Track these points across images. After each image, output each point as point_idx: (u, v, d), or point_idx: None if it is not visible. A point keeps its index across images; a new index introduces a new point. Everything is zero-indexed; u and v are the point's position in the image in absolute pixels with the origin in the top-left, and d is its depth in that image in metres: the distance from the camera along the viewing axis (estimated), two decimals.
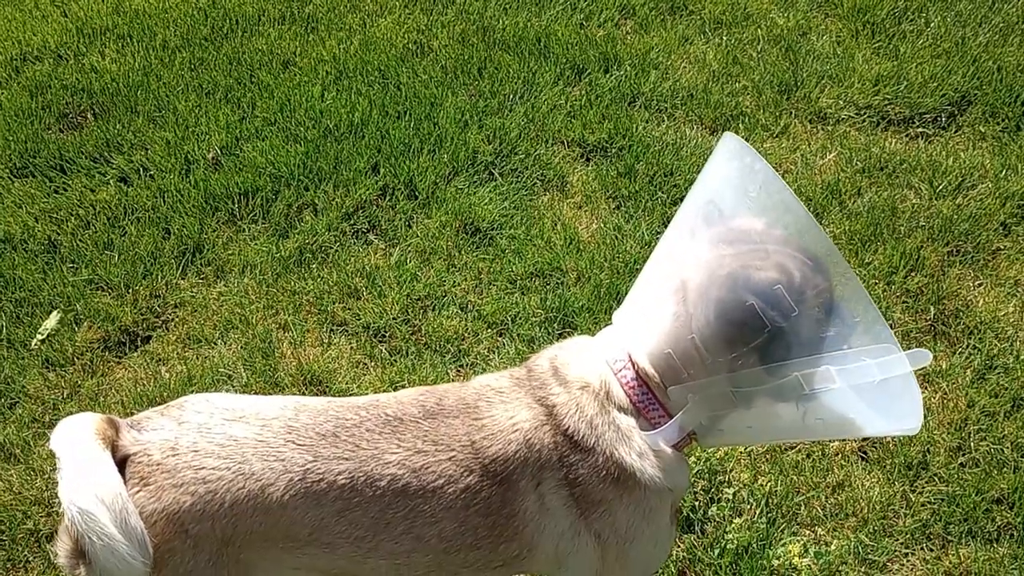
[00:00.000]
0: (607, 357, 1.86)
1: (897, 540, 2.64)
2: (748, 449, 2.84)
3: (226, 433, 1.76)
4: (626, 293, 3.29)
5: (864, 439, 2.82)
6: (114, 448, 1.69)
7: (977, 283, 3.35)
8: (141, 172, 3.83)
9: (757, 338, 1.65)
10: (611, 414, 1.81)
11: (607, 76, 4.33)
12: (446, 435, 1.82)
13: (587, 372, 1.86)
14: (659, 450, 1.81)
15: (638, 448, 1.80)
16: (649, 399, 1.81)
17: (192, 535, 1.69)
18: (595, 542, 1.85)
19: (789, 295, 1.61)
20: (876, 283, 3.35)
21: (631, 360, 1.83)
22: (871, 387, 1.60)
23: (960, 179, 3.76)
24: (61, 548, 1.70)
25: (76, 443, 1.65)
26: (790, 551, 2.60)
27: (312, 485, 1.74)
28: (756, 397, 1.72)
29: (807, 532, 2.67)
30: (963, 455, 2.82)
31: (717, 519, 2.67)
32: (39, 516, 2.70)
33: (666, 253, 1.87)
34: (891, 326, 3.19)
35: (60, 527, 1.72)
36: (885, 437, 2.82)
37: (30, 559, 2.62)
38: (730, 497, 2.72)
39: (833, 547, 2.62)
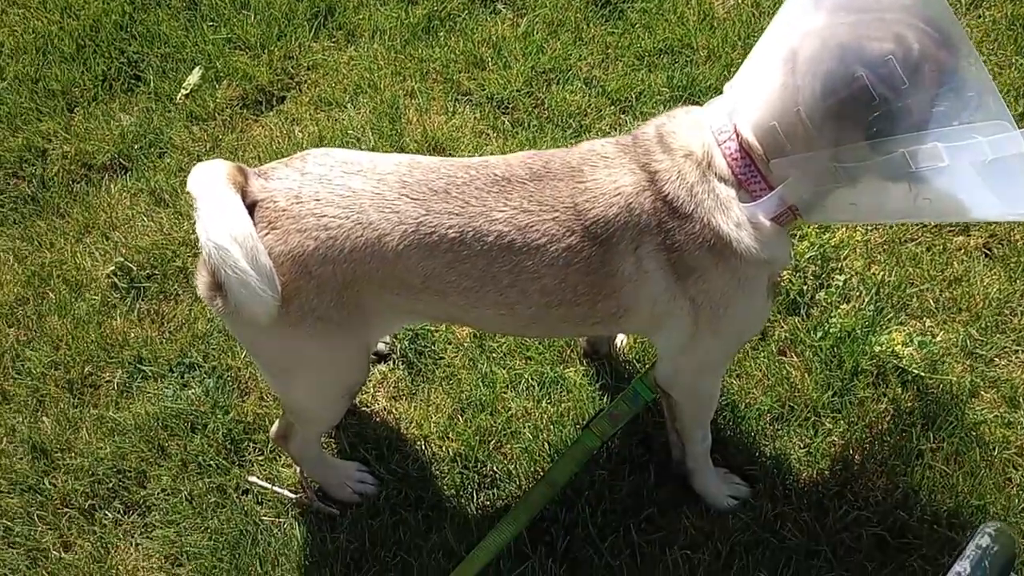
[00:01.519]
0: (713, 127, 1.78)
1: (1009, 337, 2.55)
2: (865, 237, 2.73)
3: (345, 184, 1.80)
4: None
5: (979, 224, 2.65)
6: (243, 194, 1.76)
7: None
8: None
9: (865, 113, 1.54)
10: (711, 183, 1.77)
11: None
12: (551, 196, 1.83)
13: (691, 140, 1.80)
14: (758, 222, 1.76)
15: (736, 218, 1.76)
16: (752, 171, 1.75)
17: (315, 276, 1.78)
18: (690, 306, 1.86)
19: (903, 68, 1.48)
20: None
21: (736, 131, 1.75)
22: (984, 167, 1.48)
23: None
24: (201, 280, 1.83)
25: (211, 185, 1.71)
26: (894, 339, 2.55)
27: (424, 237, 1.79)
28: (861, 174, 1.62)
29: (915, 323, 2.60)
30: None
31: (824, 304, 2.63)
32: (187, 255, 2.89)
33: (783, 20, 1.72)
34: None
35: (199, 261, 1.83)
36: (1000, 222, 2.64)
37: (179, 293, 2.84)
38: (840, 284, 2.66)
39: (939, 338, 2.55)
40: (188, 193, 1.74)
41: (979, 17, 3.20)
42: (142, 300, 2.83)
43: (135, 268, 2.86)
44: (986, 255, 2.69)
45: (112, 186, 3.12)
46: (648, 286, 1.84)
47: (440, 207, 1.80)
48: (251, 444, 2.53)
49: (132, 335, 2.75)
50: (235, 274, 1.65)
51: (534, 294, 1.85)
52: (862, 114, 1.56)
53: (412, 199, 1.80)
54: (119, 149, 3.19)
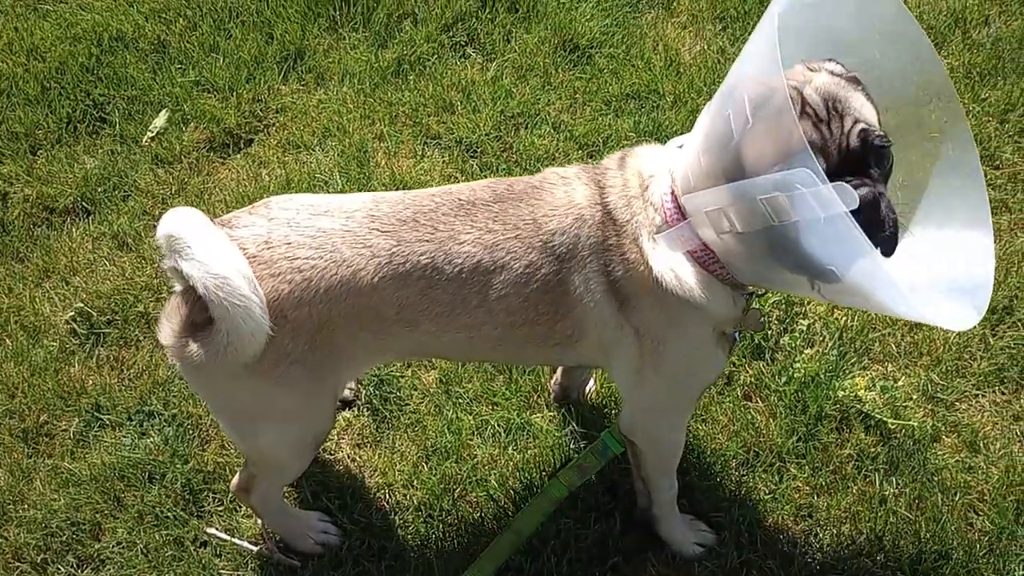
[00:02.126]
0: (669, 162, 1.82)
1: (968, 381, 2.56)
2: None
3: (314, 226, 1.79)
4: None
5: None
6: None
7: None
8: None
9: (721, 148, 1.58)
10: (646, 203, 1.81)
11: None
12: (514, 215, 1.86)
13: (645, 165, 1.86)
14: (678, 256, 1.76)
15: (657, 243, 1.79)
16: (675, 209, 1.76)
17: (291, 320, 1.76)
18: (634, 336, 1.87)
19: (752, 107, 1.48)
20: (989, 120, 3.06)
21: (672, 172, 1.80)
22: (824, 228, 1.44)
23: None
24: (168, 328, 1.79)
25: (196, 225, 1.70)
26: (857, 384, 2.55)
27: (398, 267, 1.80)
28: (746, 224, 1.59)
29: (877, 368, 2.60)
30: None
31: (788, 348, 2.62)
32: (149, 300, 2.84)
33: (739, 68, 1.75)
34: (998, 166, 2.96)
35: (168, 308, 1.79)
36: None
37: (140, 339, 2.78)
38: (804, 328, 2.65)
39: (901, 383, 2.55)
40: (168, 238, 1.70)
41: None
42: (102, 346, 2.76)
43: (95, 314, 2.80)
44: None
45: (74, 230, 3.06)
46: (596, 308, 1.85)
47: (410, 236, 1.81)
48: (210, 494, 2.46)
49: (90, 382, 2.68)
50: (241, 303, 1.63)
51: (500, 313, 1.85)
52: (720, 149, 1.59)
53: (382, 232, 1.81)
54: (82, 192, 3.13)
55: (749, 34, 3.31)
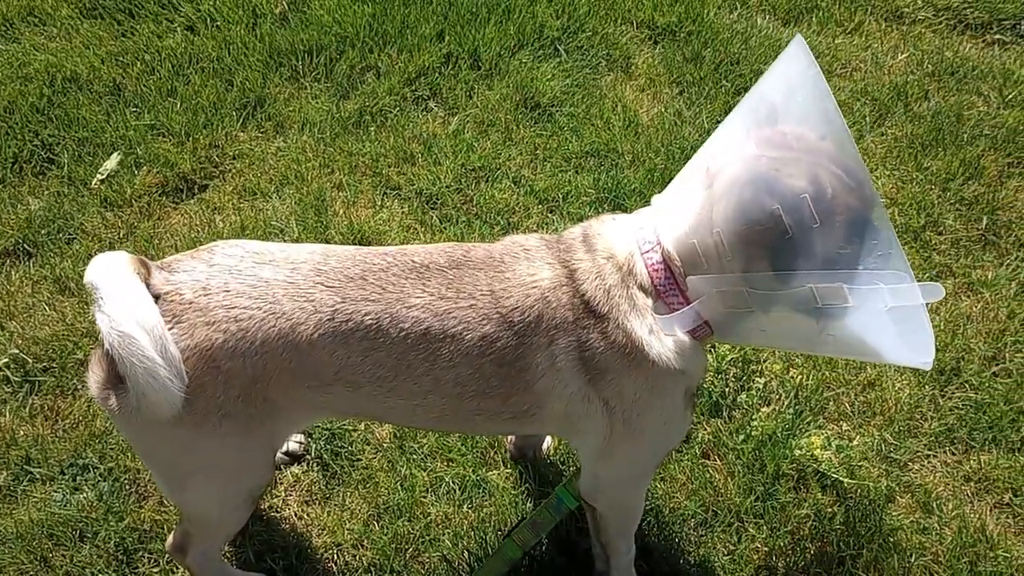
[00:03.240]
0: (638, 236, 1.75)
1: (921, 441, 2.54)
2: None
3: (256, 275, 1.70)
4: None
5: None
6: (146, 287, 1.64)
7: None
8: (208, 22, 3.65)
9: (774, 244, 1.54)
10: (630, 288, 1.73)
11: None
12: (469, 284, 1.76)
13: (615, 245, 1.77)
14: (673, 334, 1.71)
15: (650, 325, 1.71)
16: (671, 283, 1.72)
17: (223, 371, 1.65)
18: (604, 409, 1.79)
19: (816, 208, 1.49)
20: (932, 188, 3.12)
21: (659, 242, 1.72)
22: (884, 313, 1.49)
23: None
24: (94, 378, 1.67)
25: (114, 275, 1.60)
26: (813, 443, 2.51)
27: (340, 325, 1.69)
28: (772, 302, 1.61)
29: (832, 427, 2.57)
30: (996, 365, 2.67)
31: (745, 406, 2.58)
32: (89, 347, 2.68)
33: (715, 141, 1.73)
34: (941, 232, 3.00)
35: (93, 357, 1.67)
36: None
37: (78, 388, 2.61)
38: (760, 387, 2.62)
39: (856, 442, 2.52)
40: (88, 284, 1.59)
41: (882, 135, 3.33)
42: (36, 395, 2.58)
43: (31, 360, 2.62)
44: None
45: (13, 273, 2.89)
46: (561, 383, 1.77)
47: (356, 294, 1.71)
48: (146, 555, 2.28)
49: (22, 433, 2.49)
50: (142, 364, 1.52)
51: (448, 384, 1.76)
52: (772, 245, 1.55)
53: (327, 287, 1.71)
54: (24, 234, 2.97)
55: (705, 99, 3.39)
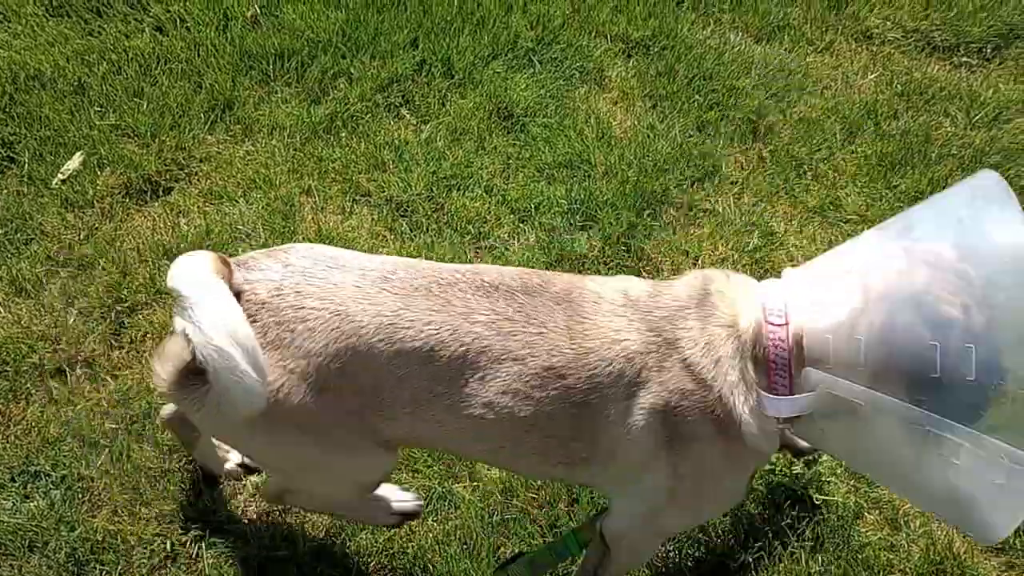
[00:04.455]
0: (767, 304, 1.67)
1: None
2: None
3: (327, 279, 1.70)
4: (652, 191, 3.10)
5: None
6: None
7: None
8: (178, 23, 3.57)
9: (916, 375, 1.47)
10: (744, 360, 1.65)
11: None
12: (541, 313, 1.71)
13: (742, 311, 1.69)
14: (769, 416, 1.65)
15: (752, 403, 1.65)
16: (784, 364, 1.63)
17: (291, 371, 1.65)
18: (669, 473, 1.73)
19: (978, 360, 1.42)
20: (901, 206, 3.13)
21: (788, 320, 1.64)
22: (990, 485, 1.44)
23: (997, 112, 3.50)
24: (164, 371, 1.65)
25: (202, 282, 1.58)
26: (781, 459, 2.48)
27: (399, 331, 1.67)
28: (879, 423, 1.54)
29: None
30: None
31: None
32: (44, 351, 2.58)
33: (871, 243, 1.65)
34: None
35: (166, 349, 1.64)
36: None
37: (32, 392, 2.51)
38: None
39: (825, 457, 2.48)
40: (172, 291, 1.56)
41: (852, 152, 3.34)
42: None
43: None
44: None
45: None
46: (632, 439, 1.69)
47: (420, 303, 1.69)
48: (98, 565, 2.19)
49: None
50: (236, 376, 1.52)
51: (504, 409, 1.70)
52: (915, 378, 1.48)
53: (393, 293, 1.70)
54: None
55: (677, 113, 3.38)
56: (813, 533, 2.34)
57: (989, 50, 3.78)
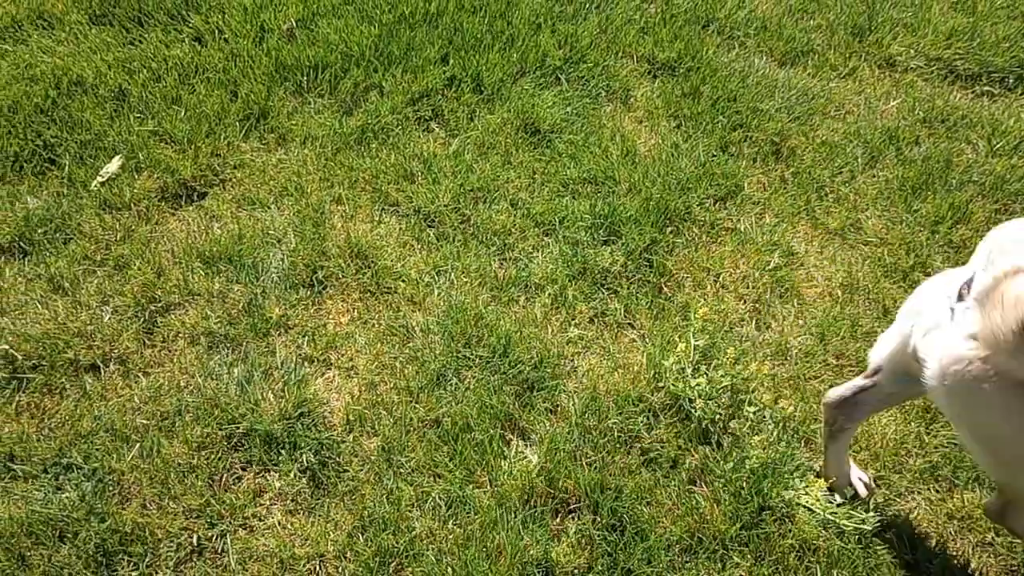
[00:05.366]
0: None
1: (905, 477, 2.54)
2: (772, 372, 2.73)
3: None
4: (675, 209, 3.15)
5: None
6: None
7: None
8: (216, 34, 3.68)
9: None
10: None
11: None
12: None
13: None
14: None
15: None
16: None
17: None
18: None
19: None
20: (921, 230, 3.16)
21: None
22: None
23: (1019, 140, 3.52)
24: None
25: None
26: (798, 473, 2.50)
27: None
28: None
29: (820, 459, 2.56)
30: None
31: (736, 433, 2.58)
32: (80, 347, 2.65)
33: None
34: (929, 273, 3.03)
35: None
36: None
37: (66, 386, 2.58)
38: (751, 415, 2.62)
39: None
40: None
41: (874, 176, 3.38)
42: (23, 392, 2.54)
43: (20, 357, 2.59)
44: None
45: (7, 270, 2.86)
46: None
47: None
48: (125, 557, 2.24)
49: (6, 430, 2.45)
50: None
51: None
52: None
53: None
54: (20, 232, 2.95)
55: (701, 133, 3.44)
56: (828, 550, 2.36)
57: (1011, 80, 3.82)
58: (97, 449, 2.43)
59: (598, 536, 2.35)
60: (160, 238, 2.98)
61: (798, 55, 3.86)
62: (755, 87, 3.64)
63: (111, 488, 2.36)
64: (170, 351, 2.69)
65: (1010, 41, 3.90)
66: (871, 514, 2.44)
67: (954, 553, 2.38)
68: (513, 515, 2.38)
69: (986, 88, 3.80)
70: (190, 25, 3.70)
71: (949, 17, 4.05)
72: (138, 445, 2.45)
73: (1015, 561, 2.35)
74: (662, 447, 2.54)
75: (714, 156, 3.39)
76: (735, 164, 3.36)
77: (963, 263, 3.04)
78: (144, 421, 2.50)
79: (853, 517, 2.42)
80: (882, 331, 2.81)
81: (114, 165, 3.17)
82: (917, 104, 3.67)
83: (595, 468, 2.47)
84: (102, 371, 2.61)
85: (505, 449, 2.51)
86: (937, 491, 2.52)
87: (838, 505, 2.44)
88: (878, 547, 2.39)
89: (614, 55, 3.76)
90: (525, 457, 2.51)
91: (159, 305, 2.77)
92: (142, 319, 2.74)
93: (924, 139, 3.54)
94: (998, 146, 3.50)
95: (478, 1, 3.92)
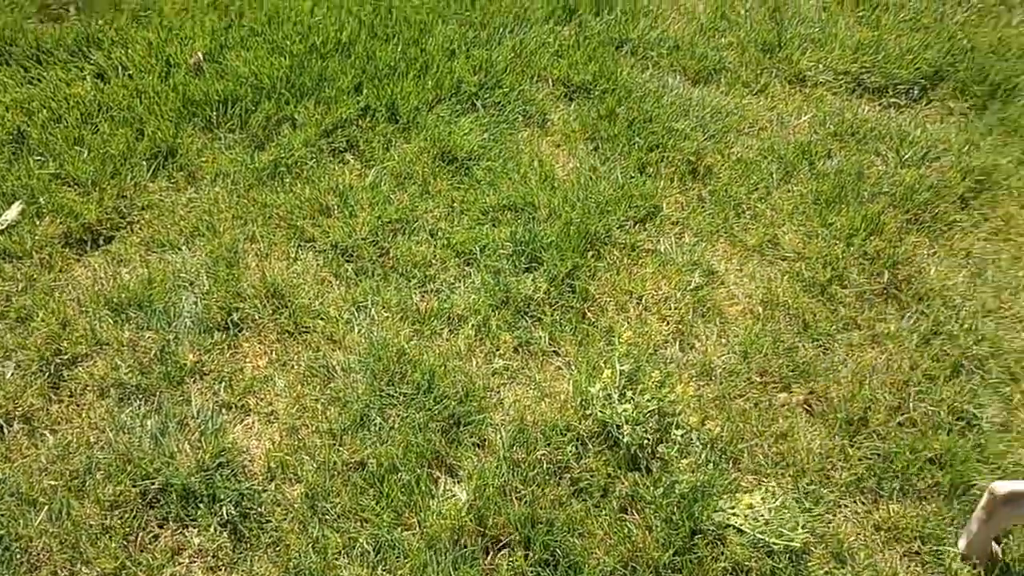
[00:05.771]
0: None
1: (832, 491, 2.57)
2: (697, 393, 2.74)
3: None
4: (595, 232, 3.15)
5: (800, 380, 2.66)
6: None
7: (931, 252, 3.25)
8: (119, 70, 3.56)
9: None
10: None
11: (598, 19, 4.11)
12: None
13: None
14: None
15: None
16: None
17: None
18: None
19: None
20: (836, 243, 3.23)
21: None
22: None
23: (925, 150, 3.64)
24: None
25: None
26: (725, 495, 2.51)
27: None
28: None
29: (748, 478, 2.59)
30: (901, 415, 2.74)
31: (664, 458, 2.58)
32: None
33: None
34: (846, 286, 3.11)
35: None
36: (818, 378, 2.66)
37: None
38: (678, 438, 2.62)
39: (770, 493, 2.53)
40: None
41: (789, 192, 3.45)
42: None
43: None
44: (807, 411, 2.75)
45: None
46: None
47: None
48: None
49: None
50: None
51: None
52: None
53: None
54: None
55: (619, 155, 3.47)
56: (760, 569, 2.37)
57: (916, 91, 3.95)
58: (2, 515, 2.31)
59: (531, 572, 2.32)
60: (65, 286, 2.86)
61: (711, 73, 3.93)
62: (670, 107, 3.69)
63: (18, 556, 2.24)
64: (78, 406, 2.57)
65: (914, 53, 4.04)
66: (800, 531, 2.46)
67: (883, 565, 2.42)
68: (444, 556, 2.33)
69: (892, 100, 3.92)
70: (91, 62, 3.58)
71: (855, 31, 4.18)
72: (46, 508, 2.33)
73: (942, 569, 2.41)
74: (592, 476, 2.52)
75: (632, 178, 3.41)
76: (653, 185, 3.39)
77: (877, 275, 3.13)
78: (52, 482, 2.38)
79: (783, 536, 2.44)
80: (803, 346, 2.88)
81: (13, 211, 3.03)
82: (827, 118, 3.77)
83: (525, 502, 2.44)
84: (5, 431, 2.48)
85: (433, 488, 2.47)
86: (863, 503, 2.57)
87: (765, 523, 2.46)
88: (809, 563, 2.42)
89: (529, 79, 3.77)
90: (454, 495, 2.46)
91: (65, 357, 2.66)
92: (47, 373, 2.62)
93: (836, 152, 3.63)
94: (906, 156, 3.61)
95: (391, 29, 3.89)
